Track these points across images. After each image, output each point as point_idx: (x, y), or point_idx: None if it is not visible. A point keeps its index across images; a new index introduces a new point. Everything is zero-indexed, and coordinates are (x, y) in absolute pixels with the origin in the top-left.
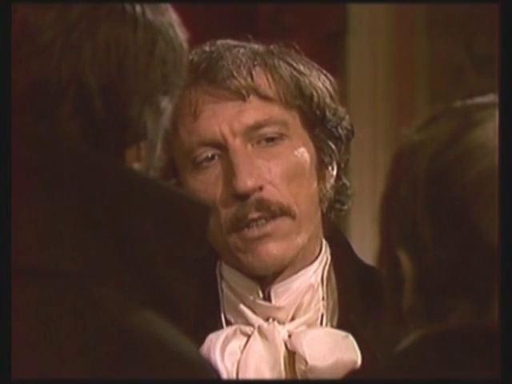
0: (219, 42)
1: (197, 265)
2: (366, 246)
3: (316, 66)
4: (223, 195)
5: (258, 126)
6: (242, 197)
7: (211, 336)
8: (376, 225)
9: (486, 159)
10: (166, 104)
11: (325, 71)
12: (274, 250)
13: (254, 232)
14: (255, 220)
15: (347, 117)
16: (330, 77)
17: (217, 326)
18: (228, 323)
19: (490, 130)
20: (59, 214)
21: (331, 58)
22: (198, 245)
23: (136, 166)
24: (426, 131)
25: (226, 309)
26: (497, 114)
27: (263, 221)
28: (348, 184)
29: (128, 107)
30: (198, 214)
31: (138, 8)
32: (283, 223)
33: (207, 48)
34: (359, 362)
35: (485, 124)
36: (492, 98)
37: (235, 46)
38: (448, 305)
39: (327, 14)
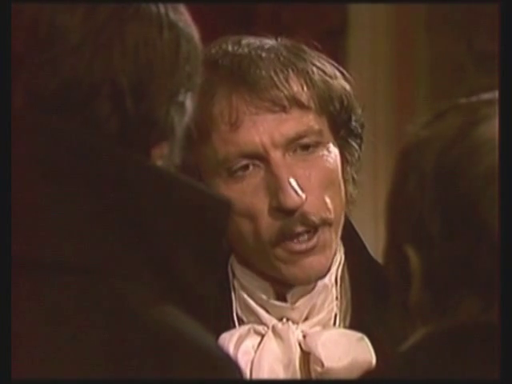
0: (243, 41)
1: (216, 261)
2: (366, 243)
3: (334, 63)
4: (265, 206)
5: (298, 137)
6: (289, 212)
7: (224, 335)
8: (377, 222)
9: (492, 154)
10: (189, 102)
11: (341, 68)
12: (317, 263)
13: (301, 246)
14: (300, 234)
15: (361, 112)
16: (347, 74)
17: (229, 325)
18: (240, 322)
19: (496, 126)
20: (82, 209)
21: (331, 57)
22: (218, 241)
23: (159, 164)
24: (432, 127)
25: (239, 307)
26: None
27: (308, 234)
28: (356, 178)
29: (156, 106)
30: (219, 210)
31: (161, 8)
32: (323, 234)
33: (230, 48)
34: (374, 363)
35: (491, 120)
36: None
37: (261, 48)
38: (455, 301)
39: (327, 13)
